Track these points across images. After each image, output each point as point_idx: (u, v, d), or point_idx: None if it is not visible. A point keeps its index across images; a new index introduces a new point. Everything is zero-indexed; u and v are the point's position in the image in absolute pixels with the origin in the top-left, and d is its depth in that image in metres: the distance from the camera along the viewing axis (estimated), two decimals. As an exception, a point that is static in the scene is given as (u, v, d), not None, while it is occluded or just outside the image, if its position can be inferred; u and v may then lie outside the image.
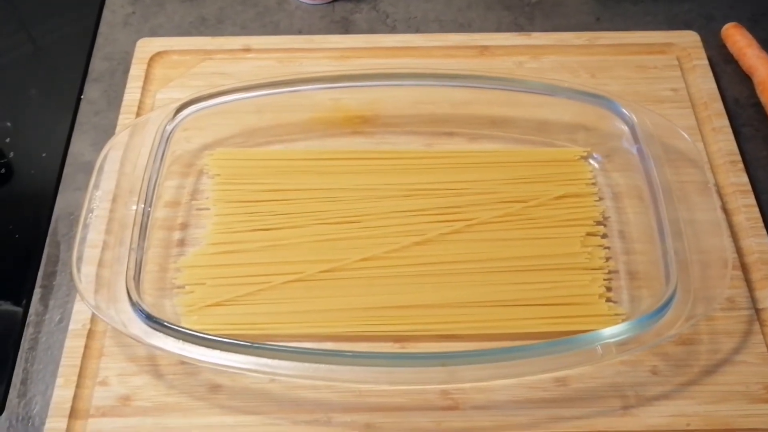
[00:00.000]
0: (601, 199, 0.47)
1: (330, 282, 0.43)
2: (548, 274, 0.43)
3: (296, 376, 0.39)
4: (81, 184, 0.49)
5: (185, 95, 0.47)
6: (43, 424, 0.40)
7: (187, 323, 0.42)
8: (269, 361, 0.37)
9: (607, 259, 0.44)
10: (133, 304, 0.39)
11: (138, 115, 0.51)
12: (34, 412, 0.41)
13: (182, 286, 0.44)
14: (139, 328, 0.39)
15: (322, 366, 0.37)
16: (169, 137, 0.46)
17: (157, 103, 0.51)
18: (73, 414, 0.40)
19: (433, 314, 0.42)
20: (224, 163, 0.48)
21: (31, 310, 0.45)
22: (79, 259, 0.41)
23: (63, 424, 0.40)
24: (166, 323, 0.39)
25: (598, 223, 0.46)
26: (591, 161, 0.48)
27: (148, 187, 0.44)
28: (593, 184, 0.47)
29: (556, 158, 0.48)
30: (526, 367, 0.38)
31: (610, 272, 0.44)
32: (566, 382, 0.41)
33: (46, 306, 0.45)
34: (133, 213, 0.43)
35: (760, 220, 0.46)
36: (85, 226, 0.42)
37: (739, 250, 0.45)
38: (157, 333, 0.38)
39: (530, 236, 0.45)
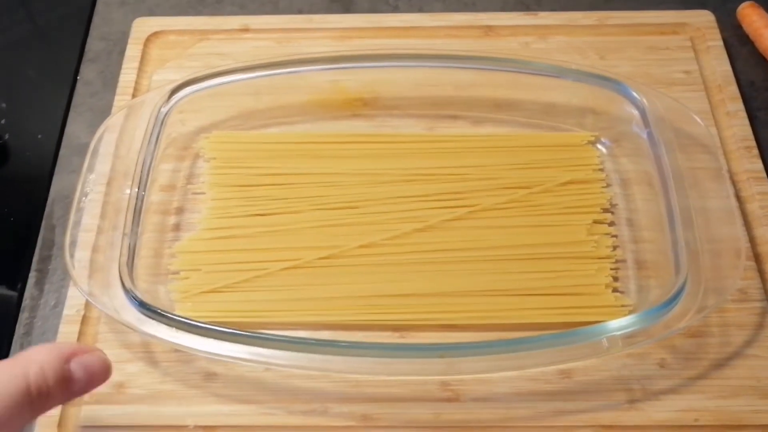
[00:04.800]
0: (609, 185, 0.44)
1: (328, 269, 0.41)
2: (553, 263, 0.41)
3: (291, 366, 0.37)
4: (77, 167, 0.47)
5: (181, 76, 0.45)
6: (37, 410, 0.38)
7: (182, 310, 0.40)
8: (264, 351, 0.35)
9: (615, 248, 0.42)
10: (126, 291, 0.37)
11: (134, 96, 0.48)
12: (29, 398, 0.40)
13: (177, 272, 0.42)
14: (132, 315, 0.37)
15: (318, 356, 0.35)
16: (164, 120, 0.44)
17: (153, 84, 0.49)
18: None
19: (433, 303, 0.40)
20: (220, 146, 0.46)
21: (26, 294, 0.43)
22: (72, 244, 0.40)
23: (57, 410, 0.38)
24: (158, 310, 0.37)
25: (606, 210, 0.43)
26: (599, 146, 0.46)
27: (142, 170, 0.41)
28: (601, 170, 0.44)
29: (562, 143, 0.45)
30: (528, 360, 0.36)
31: (617, 261, 0.41)
32: (570, 375, 0.38)
33: (41, 290, 0.43)
34: (126, 198, 0.40)
35: (775, 208, 0.43)
36: (79, 210, 0.41)
37: (752, 240, 0.42)
38: (150, 320, 0.37)
39: (535, 224, 0.42)
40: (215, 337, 0.36)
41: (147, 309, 0.37)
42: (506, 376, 0.38)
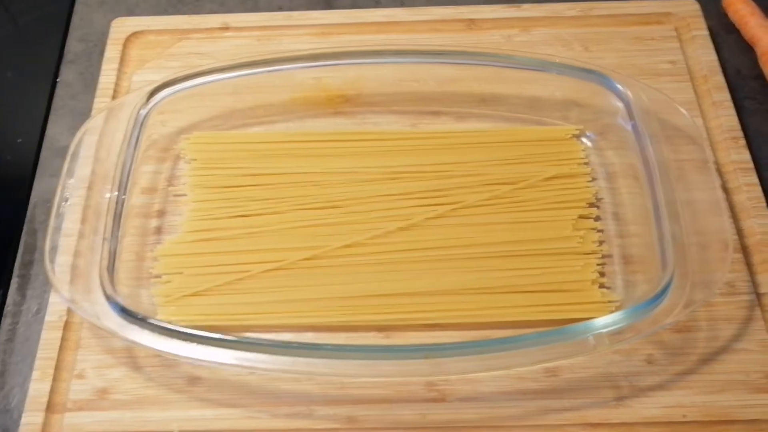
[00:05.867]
0: (594, 179, 0.43)
1: (312, 270, 0.40)
2: (539, 260, 0.40)
3: (275, 370, 0.36)
4: (58, 170, 0.45)
5: (161, 76, 0.43)
6: (21, 417, 0.37)
7: (164, 314, 0.39)
8: (247, 355, 0.34)
9: (601, 243, 0.41)
10: (107, 297, 0.36)
11: (114, 98, 0.47)
12: (13, 405, 0.38)
13: (159, 276, 0.40)
14: (113, 320, 0.36)
15: (302, 359, 0.34)
16: (144, 121, 0.42)
17: (133, 85, 0.48)
18: (49, 408, 0.37)
19: (418, 302, 0.39)
20: (201, 147, 0.44)
21: (9, 300, 0.42)
22: (53, 249, 0.38)
23: (39, 418, 0.37)
24: (139, 316, 0.36)
25: (591, 205, 0.42)
26: (584, 140, 0.44)
27: (122, 173, 0.40)
28: (586, 163, 0.43)
29: (546, 137, 0.44)
30: (514, 359, 0.35)
31: (603, 257, 0.40)
32: (557, 373, 0.37)
33: (23, 296, 0.42)
34: (106, 202, 0.39)
35: (763, 199, 0.42)
36: (59, 215, 0.39)
37: (739, 232, 0.41)
38: (132, 326, 0.35)
39: (520, 219, 0.41)
40: (198, 342, 0.35)
41: (128, 315, 0.36)
42: (492, 375, 0.37)
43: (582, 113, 0.44)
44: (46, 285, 0.42)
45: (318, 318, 0.39)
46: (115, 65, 0.48)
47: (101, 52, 0.49)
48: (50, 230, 0.38)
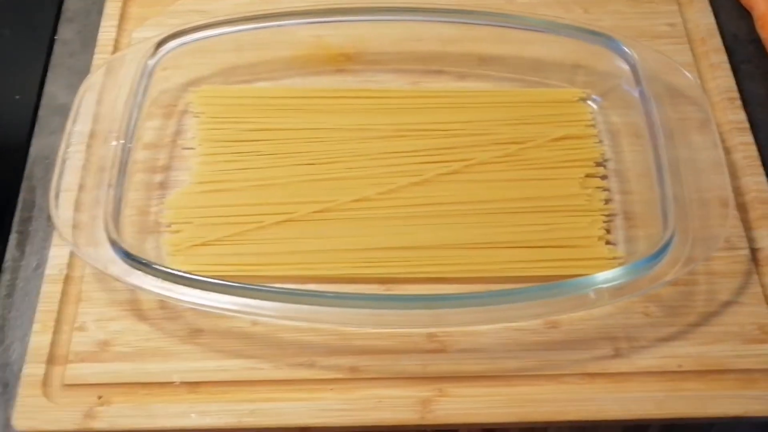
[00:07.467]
0: (600, 141, 0.43)
1: (321, 223, 0.39)
2: (546, 216, 0.39)
3: (279, 317, 0.35)
4: (56, 128, 0.45)
5: (162, 34, 0.42)
6: (21, 369, 0.37)
7: (174, 264, 0.38)
8: (251, 302, 0.34)
9: (607, 201, 0.40)
10: (112, 242, 0.35)
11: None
12: (13, 358, 0.38)
13: (168, 225, 0.40)
14: (118, 267, 0.35)
15: (305, 307, 0.34)
16: (151, 73, 0.41)
17: (134, 42, 0.47)
18: (51, 359, 0.37)
19: (425, 256, 0.38)
20: (209, 101, 0.44)
21: (7, 256, 0.41)
22: (56, 197, 0.37)
23: (41, 369, 0.36)
24: (145, 261, 0.35)
25: (598, 164, 0.41)
26: (589, 102, 0.44)
27: (128, 124, 0.39)
28: (592, 125, 0.43)
29: (553, 98, 0.44)
30: (516, 312, 0.35)
31: (609, 215, 0.40)
32: (557, 325, 0.37)
33: (22, 252, 0.41)
34: (112, 151, 0.38)
35: (758, 158, 0.42)
36: (63, 163, 0.38)
37: (735, 189, 0.41)
38: (137, 272, 0.35)
39: (528, 177, 0.41)
40: (202, 288, 0.34)
41: (132, 260, 0.35)
42: (493, 327, 0.37)
43: (585, 75, 0.44)
44: (46, 241, 0.41)
45: (326, 270, 0.38)
46: (115, 22, 0.47)
47: (99, 11, 0.48)
48: (55, 179, 0.37)
